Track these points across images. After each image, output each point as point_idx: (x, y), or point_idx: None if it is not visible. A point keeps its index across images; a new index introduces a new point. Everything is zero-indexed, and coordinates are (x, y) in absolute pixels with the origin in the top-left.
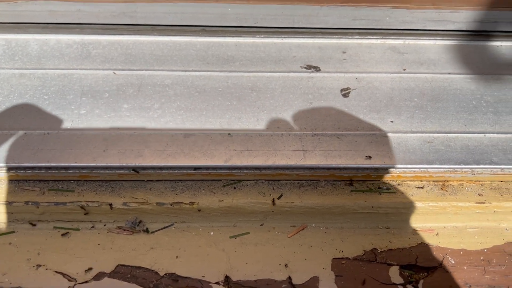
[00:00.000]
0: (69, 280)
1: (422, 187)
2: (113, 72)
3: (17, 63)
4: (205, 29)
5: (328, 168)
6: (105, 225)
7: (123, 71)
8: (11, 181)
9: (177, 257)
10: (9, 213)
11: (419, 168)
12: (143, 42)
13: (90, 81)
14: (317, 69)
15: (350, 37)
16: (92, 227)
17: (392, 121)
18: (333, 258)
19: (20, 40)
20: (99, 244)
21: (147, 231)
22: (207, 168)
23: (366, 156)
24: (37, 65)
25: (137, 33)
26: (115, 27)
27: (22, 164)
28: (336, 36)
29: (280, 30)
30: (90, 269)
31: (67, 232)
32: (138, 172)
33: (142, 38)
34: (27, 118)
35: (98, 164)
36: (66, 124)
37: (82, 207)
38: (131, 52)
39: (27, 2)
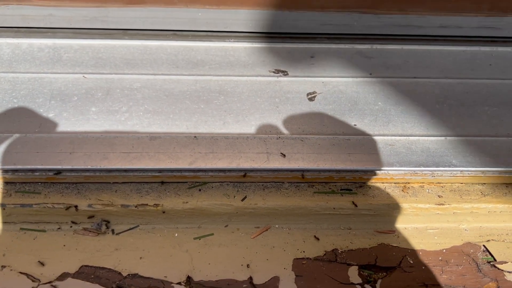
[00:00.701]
0: (32, 281)
1: (383, 189)
2: (83, 76)
3: None
4: (176, 33)
5: (291, 170)
6: (71, 226)
7: (93, 74)
8: None
9: (140, 258)
10: None
11: (381, 170)
12: (114, 46)
13: (60, 84)
14: (285, 73)
15: (319, 41)
16: (59, 228)
17: (355, 125)
18: (294, 259)
19: None
20: (64, 245)
21: (112, 232)
22: (171, 170)
23: (281, 153)
24: (8, 68)
25: (109, 37)
26: (87, 31)
27: None
28: (305, 41)
29: (249, 34)
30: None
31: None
32: (60, 173)
33: (113, 42)
34: None
35: (64, 167)
36: (34, 127)
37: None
38: (102, 56)
39: None
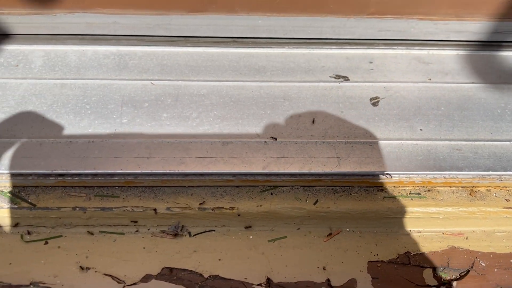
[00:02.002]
0: (118, 282)
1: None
2: (151, 83)
3: (57, 73)
4: (236, 40)
5: (362, 175)
6: (148, 229)
7: (160, 81)
8: (58, 187)
9: (219, 259)
10: (57, 218)
11: (449, 174)
12: (177, 53)
13: (129, 91)
14: (345, 79)
15: (376, 47)
16: (137, 231)
17: (421, 129)
18: (368, 261)
19: (59, 51)
20: (144, 248)
21: (189, 235)
22: (245, 174)
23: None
24: (76, 75)
25: (171, 44)
26: (150, 38)
27: (70, 171)
28: (363, 47)
29: (308, 41)
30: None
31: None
32: (62, 176)
33: (176, 49)
34: (71, 127)
35: (143, 171)
36: (109, 133)
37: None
38: (166, 63)
39: (65, 15)
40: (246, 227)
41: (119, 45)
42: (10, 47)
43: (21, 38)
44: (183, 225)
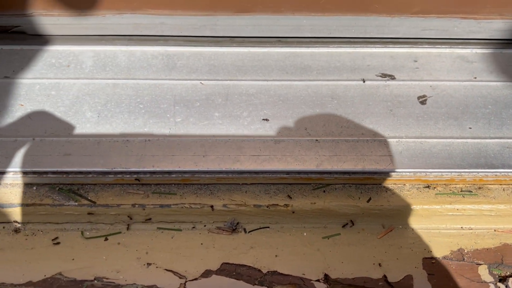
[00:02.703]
0: (179, 278)
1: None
2: (200, 82)
3: (108, 73)
4: (280, 40)
5: (415, 173)
6: (205, 225)
7: (209, 81)
8: (116, 185)
9: (276, 256)
10: (116, 214)
11: (501, 172)
12: (223, 53)
13: (180, 90)
14: (392, 77)
15: (420, 46)
16: (193, 227)
17: (470, 128)
18: (423, 258)
19: (108, 52)
20: (202, 244)
21: (244, 231)
22: (298, 172)
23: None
24: (127, 75)
25: (218, 44)
26: (197, 39)
27: (129, 169)
28: (407, 46)
29: (352, 40)
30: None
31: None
32: (139, 180)
33: (222, 50)
34: (126, 126)
35: (201, 169)
36: (164, 132)
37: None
38: (213, 63)
39: (114, 16)
40: (344, 226)
41: (166, 46)
42: (61, 48)
43: (71, 39)
44: (238, 222)
